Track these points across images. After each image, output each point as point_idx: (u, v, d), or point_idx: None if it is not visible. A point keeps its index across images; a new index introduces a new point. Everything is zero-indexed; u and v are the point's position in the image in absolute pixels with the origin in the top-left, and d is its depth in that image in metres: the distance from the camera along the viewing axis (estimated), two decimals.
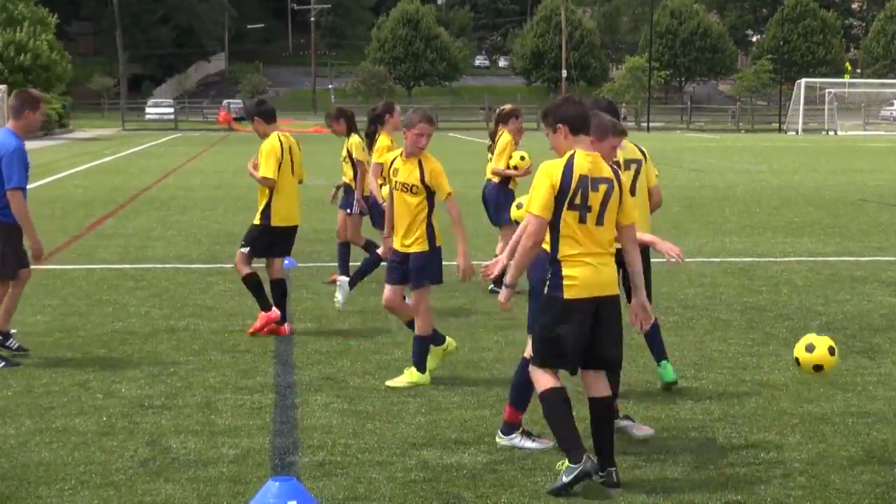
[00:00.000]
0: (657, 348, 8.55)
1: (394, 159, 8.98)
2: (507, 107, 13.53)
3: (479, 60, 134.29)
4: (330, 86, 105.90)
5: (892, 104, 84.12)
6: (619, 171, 6.62)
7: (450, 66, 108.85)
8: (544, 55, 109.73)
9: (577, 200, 6.33)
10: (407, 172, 8.77)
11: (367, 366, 9.38)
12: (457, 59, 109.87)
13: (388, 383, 8.73)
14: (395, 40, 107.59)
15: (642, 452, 7.08)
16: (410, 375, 8.77)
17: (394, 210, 8.93)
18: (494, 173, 13.12)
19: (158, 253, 16.19)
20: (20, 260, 9.57)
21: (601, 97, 9.33)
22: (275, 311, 10.52)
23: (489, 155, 13.32)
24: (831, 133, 75.45)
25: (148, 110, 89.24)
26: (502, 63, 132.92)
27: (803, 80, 79.28)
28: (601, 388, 6.53)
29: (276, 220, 10.58)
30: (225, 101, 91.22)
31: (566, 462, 6.35)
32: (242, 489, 6.35)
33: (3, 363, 9.20)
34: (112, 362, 9.47)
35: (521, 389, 7.12)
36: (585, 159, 6.40)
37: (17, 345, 9.67)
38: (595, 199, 6.37)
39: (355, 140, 13.01)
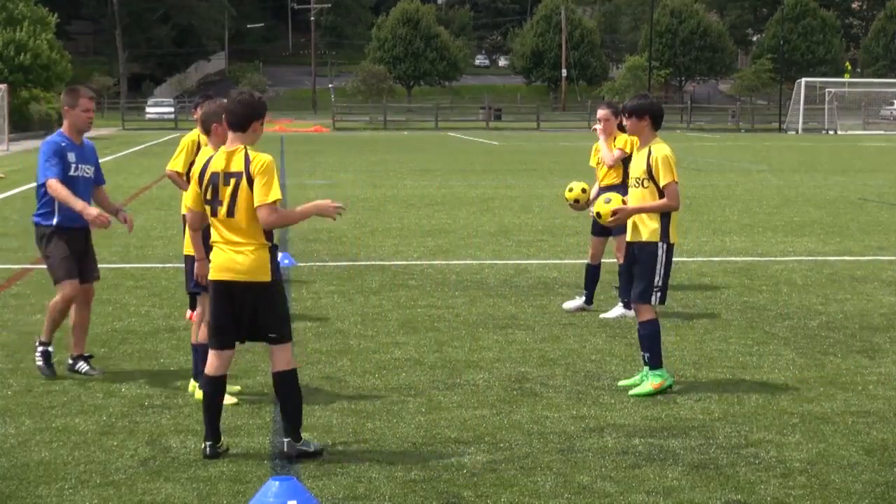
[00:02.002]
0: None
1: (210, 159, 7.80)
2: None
3: (479, 60, 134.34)
4: (330, 85, 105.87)
5: (892, 104, 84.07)
6: (251, 163, 6.80)
7: (450, 65, 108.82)
8: (544, 54, 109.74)
9: (209, 196, 6.86)
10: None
11: (367, 366, 9.37)
12: (457, 59, 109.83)
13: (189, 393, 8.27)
14: (395, 40, 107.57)
15: (642, 452, 7.08)
16: (196, 390, 8.17)
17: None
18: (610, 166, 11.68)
19: (158, 252, 16.19)
20: (67, 270, 8.91)
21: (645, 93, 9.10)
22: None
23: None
24: (831, 132, 75.42)
25: (148, 109, 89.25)
26: (502, 62, 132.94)
27: (803, 80, 79.21)
28: (277, 362, 6.91)
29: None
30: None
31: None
32: (242, 489, 6.36)
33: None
34: (112, 362, 9.47)
35: None
36: (222, 156, 6.87)
37: (86, 368, 9.08)
38: (225, 193, 6.79)
39: None
